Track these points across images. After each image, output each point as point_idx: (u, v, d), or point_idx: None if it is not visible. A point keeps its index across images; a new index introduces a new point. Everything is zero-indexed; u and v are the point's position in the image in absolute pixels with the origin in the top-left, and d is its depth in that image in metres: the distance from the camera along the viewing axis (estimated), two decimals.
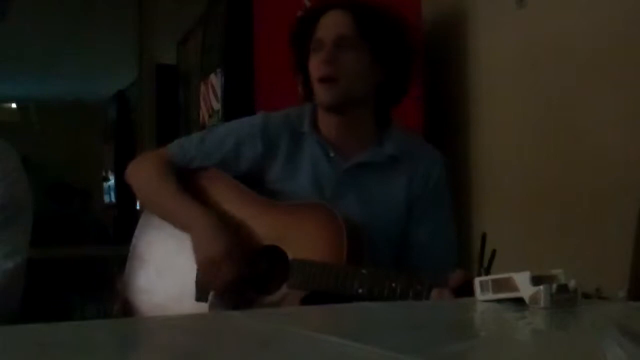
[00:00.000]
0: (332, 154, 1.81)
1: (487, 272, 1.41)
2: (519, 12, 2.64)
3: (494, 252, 1.46)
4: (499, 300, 1.21)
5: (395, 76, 1.82)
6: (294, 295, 1.63)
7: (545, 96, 2.59)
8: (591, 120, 2.38)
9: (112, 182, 7.88)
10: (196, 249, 1.73)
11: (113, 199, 7.72)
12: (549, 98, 2.57)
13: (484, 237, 1.47)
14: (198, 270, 1.74)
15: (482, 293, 1.24)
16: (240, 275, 1.69)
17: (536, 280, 1.17)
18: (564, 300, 1.16)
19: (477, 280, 1.26)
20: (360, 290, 1.54)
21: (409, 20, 1.92)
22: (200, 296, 1.74)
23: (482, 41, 2.92)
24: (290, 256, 1.67)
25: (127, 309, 1.90)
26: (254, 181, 1.83)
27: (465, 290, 1.43)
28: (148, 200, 1.91)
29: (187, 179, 1.86)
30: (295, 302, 1.62)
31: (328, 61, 1.76)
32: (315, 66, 1.78)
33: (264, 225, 1.75)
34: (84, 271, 4.29)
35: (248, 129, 1.86)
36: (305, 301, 1.61)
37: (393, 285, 1.51)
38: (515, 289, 1.19)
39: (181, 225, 1.79)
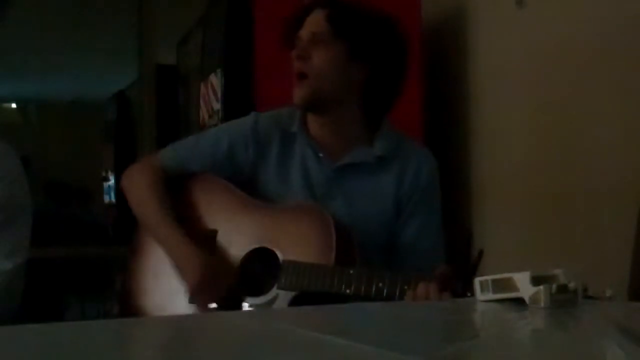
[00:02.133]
0: (321, 154, 1.80)
1: (475, 271, 1.42)
2: (519, 12, 2.64)
3: (481, 252, 1.47)
4: (499, 300, 1.21)
5: (380, 74, 1.79)
6: (284, 296, 1.65)
7: (545, 96, 2.59)
8: (590, 120, 2.38)
9: (112, 182, 7.86)
10: (181, 273, 1.75)
11: (113, 199, 7.71)
12: (549, 98, 2.57)
13: (469, 238, 1.49)
14: (188, 290, 1.75)
15: (482, 293, 1.24)
16: (230, 285, 1.71)
17: (536, 280, 1.17)
18: (564, 300, 1.16)
19: (477, 280, 1.26)
20: (347, 291, 1.56)
21: (405, 20, 1.90)
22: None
23: (482, 41, 2.92)
24: (281, 257, 1.68)
25: (127, 310, 1.90)
26: (246, 182, 1.83)
27: (449, 286, 1.46)
28: (136, 210, 1.91)
29: (179, 184, 1.87)
30: (285, 302, 1.64)
31: (299, 57, 1.76)
32: (293, 64, 1.78)
33: (256, 227, 1.76)
34: (84, 271, 4.28)
35: (240, 130, 1.86)
36: (294, 301, 1.63)
37: (380, 285, 1.53)
38: (515, 289, 1.19)
39: (159, 241, 1.81)
